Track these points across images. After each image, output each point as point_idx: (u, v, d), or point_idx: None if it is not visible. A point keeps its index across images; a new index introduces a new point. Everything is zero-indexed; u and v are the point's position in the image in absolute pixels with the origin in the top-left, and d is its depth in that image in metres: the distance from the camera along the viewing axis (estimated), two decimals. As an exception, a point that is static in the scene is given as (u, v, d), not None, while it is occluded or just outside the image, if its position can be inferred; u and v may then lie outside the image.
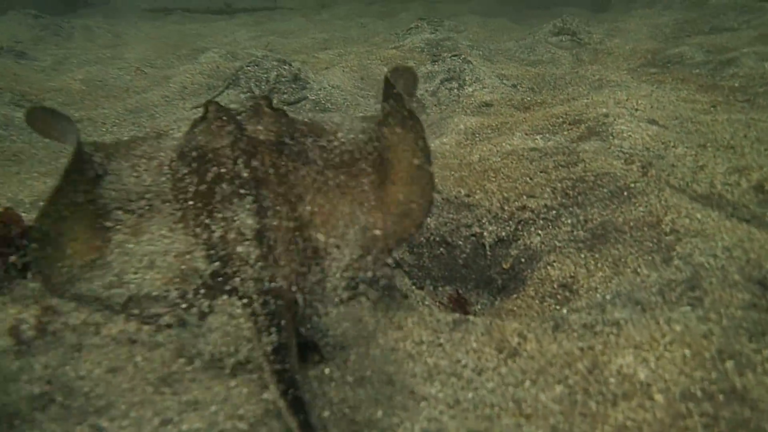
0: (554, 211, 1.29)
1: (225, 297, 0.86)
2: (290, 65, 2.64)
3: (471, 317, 0.89)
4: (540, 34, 3.64)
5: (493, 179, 1.48)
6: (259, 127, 1.10)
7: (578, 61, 3.27)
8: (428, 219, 1.40)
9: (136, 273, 0.90)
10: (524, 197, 1.35)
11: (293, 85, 2.46)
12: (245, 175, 0.99)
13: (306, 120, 1.19)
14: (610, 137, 1.59)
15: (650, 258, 1.03)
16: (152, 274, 0.89)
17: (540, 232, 1.26)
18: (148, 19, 6.90)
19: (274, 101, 1.28)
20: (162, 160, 1.07)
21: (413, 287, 1.27)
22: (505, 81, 2.71)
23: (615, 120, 1.68)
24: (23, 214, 1.29)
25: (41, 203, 1.36)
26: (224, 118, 1.11)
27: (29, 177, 1.53)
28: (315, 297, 0.88)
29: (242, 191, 0.96)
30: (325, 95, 2.45)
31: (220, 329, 0.83)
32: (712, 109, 1.87)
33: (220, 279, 0.88)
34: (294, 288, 0.87)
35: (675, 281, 0.91)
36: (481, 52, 3.51)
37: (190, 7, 7.79)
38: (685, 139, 1.59)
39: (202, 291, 0.87)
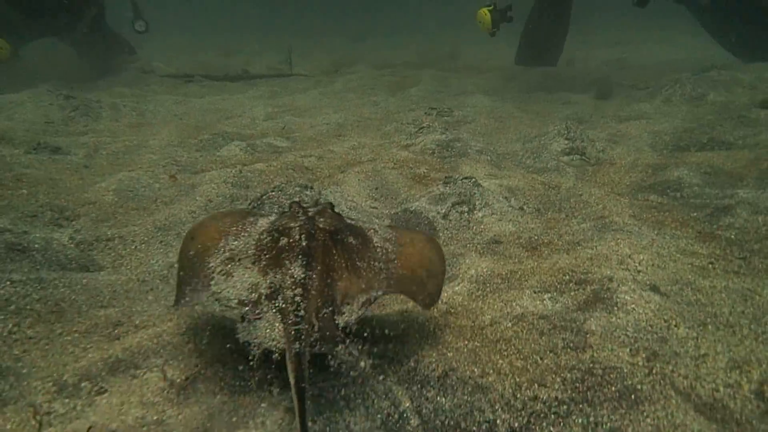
0: (565, 407, 1.39)
1: (272, 312, 1.39)
2: (311, 189, 2.80)
3: None
4: (545, 139, 3.82)
5: (505, 354, 1.59)
6: (321, 219, 1.66)
7: (582, 172, 3.43)
8: (444, 399, 1.50)
9: (228, 287, 1.49)
10: (535, 385, 1.46)
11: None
12: (303, 244, 1.53)
13: (353, 222, 1.77)
14: (615, 308, 1.70)
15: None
16: (234, 290, 1.46)
17: (552, 428, 1.35)
18: (170, 86, 7.20)
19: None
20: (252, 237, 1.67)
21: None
22: (512, 201, 2.86)
23: (619, 286, 1.80)
24: (66, 401, 1.40)
25: (85, 384, 1.47)
26: (300, 211, 1.69)
27: (71, 339, 1.64)
28: (326, 326, 1.39)
29: (299, 254, 1.51)
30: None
31: (264, 330, 1.35)
32: (710, 266, 1.99)
33: (272, 302, 1.41)
34: (314, 317, 1.37)
35: None
36: (489, 158, 3.68)
37: (209, 74, 8.14)
38: (686, 313, 1.70)
39: (260, 306, 1.40)
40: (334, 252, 1.56)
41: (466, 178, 2.92)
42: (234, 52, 12.49)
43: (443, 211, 2.73)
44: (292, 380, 1.23)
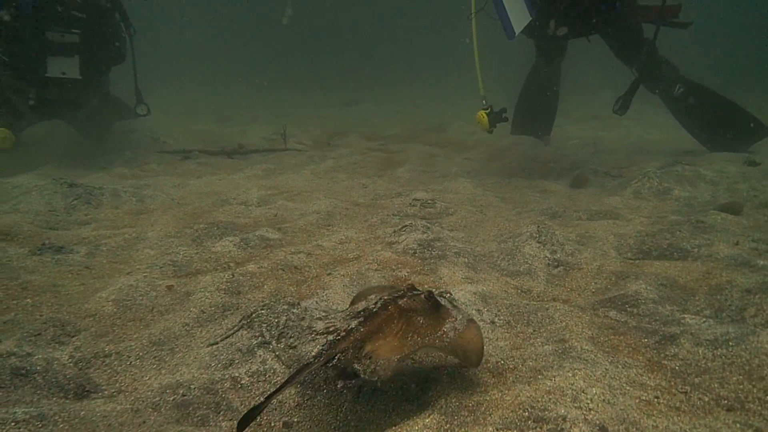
0: None
1: (321, 338, 2.02)
2: (299, 305, 3.01)
3: None
4: (519, 241, 4.10)
5: (466, 500, 1.77)
6: (405, 300, 2.15)
7: (552, 275, 3.69)
8: None
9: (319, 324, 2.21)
10: None
11: (299, 328, 2.81)
12: (374, 310, 2.09)
13: (443, 305, 2.28)
14: (567, 455, 1.90)
15: None
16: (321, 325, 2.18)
17: None
18: (168, 164, 7.53)
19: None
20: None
21: None
22: (485, 314, 3.09)
23: (571, 428, 2.00)
24: None
25: None
26: (401, 292, 2.23)
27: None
28: (343, 361, 1.92)
29: (363, 314, 2.08)
30: (327, 335, 2.79)
31: (309, 348, 2.03)
32: (655, 401, 2.20)
33: (327, 333, 2.06)
34: (338, 352, 1.92)
35: None
36: (466, 260, 3.94)
37: (206, 148, 8.50)
38: (628, 458, 1.90)
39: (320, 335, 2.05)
40: (394, 323, 2.04)
41: (441, 293, 3.14)
42: (228, 118, 12.99)
43: (420, 326, 2.94)
44: (284, 380, 1.86)
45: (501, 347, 2.76)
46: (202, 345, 2.82)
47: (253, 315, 2.90)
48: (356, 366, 1.86)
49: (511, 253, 4.01)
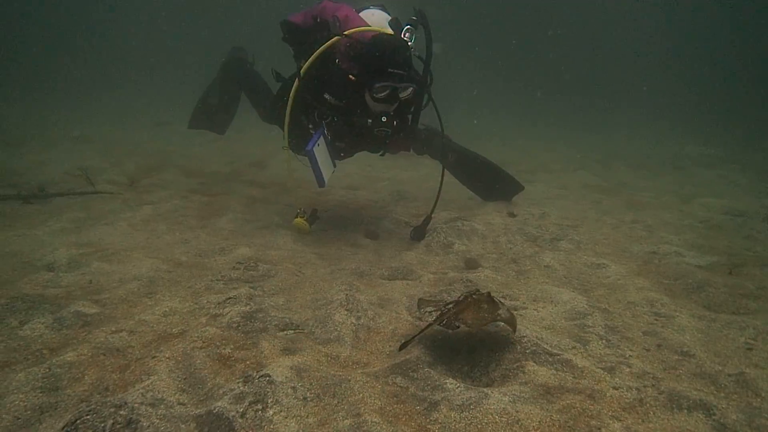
0: None
1: (434, 314, 4.02)
2: (126, 405, 3.22)
3: None
4: (331, 309, 4.78)
5: None
6: (476, 296, 3.78)
7: (356, 340, 4.44)
8: None
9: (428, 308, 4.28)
10: None
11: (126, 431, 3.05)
12: (461, 299, 3.84)
13: (494, 300, 3.79)
14: None
15: None
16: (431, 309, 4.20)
17: None
18: (-56, 214, 6.55)
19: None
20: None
21: None
22: (299, 390, 3.67)
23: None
24: None
25: None
26: (472, 292, 3.80)
27: None
28: (447, 324, 3.77)
29: (453, 302, 3.88)
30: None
31: (429, 317, 4.14)
32: (419, 459, 3.03)
33: (436, 311, 4.06)
34: (444, 318, 3.72)
35: None
36: (285, 333, 4.49)
37: (-3, 191, 7.57)
38: None
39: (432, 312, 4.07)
40: (472, 305, 3.62)
41: (262, 376, 3.65)
42: (18, 140, 11.48)
43: (241, 410, 3.41)
44: (423, 327, 3.77)
45: (309, 424, 3.37)
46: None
47: (78, 422, 3.05)
48: (456, 323, 3.52)
49: (324, 320, 4.67)
